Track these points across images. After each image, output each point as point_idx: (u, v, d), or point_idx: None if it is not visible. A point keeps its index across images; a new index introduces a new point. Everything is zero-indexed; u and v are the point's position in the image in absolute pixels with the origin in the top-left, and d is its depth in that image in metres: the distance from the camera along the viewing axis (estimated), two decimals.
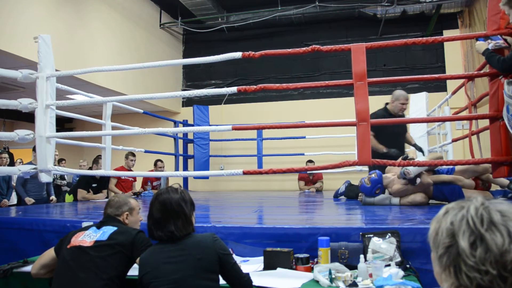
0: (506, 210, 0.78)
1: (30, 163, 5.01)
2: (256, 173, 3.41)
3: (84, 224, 2.28)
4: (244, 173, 3.17)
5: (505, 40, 2.85)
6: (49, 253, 1.99)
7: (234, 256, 2.12)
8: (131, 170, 5.93)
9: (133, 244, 1.86)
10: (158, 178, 6.39)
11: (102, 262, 1.78)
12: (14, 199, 5.86)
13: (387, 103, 4.28)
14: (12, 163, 6.01)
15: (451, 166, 3.70)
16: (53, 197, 5.54)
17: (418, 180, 3.51)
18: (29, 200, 5.04)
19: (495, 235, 0.74)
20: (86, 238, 1.89)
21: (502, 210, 0.78)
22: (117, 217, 2.06)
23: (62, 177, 6.61)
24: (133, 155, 5.96)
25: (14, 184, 5.69)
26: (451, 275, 0.79)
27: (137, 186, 6.37)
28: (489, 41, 2.88)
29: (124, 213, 2.09)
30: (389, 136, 4.04)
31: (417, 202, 3.52)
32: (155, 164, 6.48)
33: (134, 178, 6.17)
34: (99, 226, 1.97)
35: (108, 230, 1.91)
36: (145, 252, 1.74)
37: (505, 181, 3.58)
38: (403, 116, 4.35)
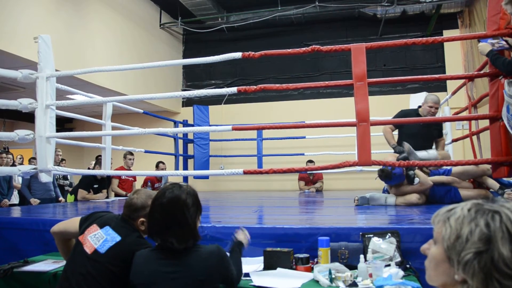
0: None
1: None
2: (256, 173, 3.41)
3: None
4: (245, 172, 3.17)
5: (506, 41, 2.85)
6: (75, 225, 1.94)
7: None
8: (130, 170, 5.94)
9: (128, 268, 1.68)
10: (159, 180, 6.39)
11: (94, 282, 1.69)
12: (14, 199, 5.86)
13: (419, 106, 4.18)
14: (13, 164, 6.01)
15: (449, 167, 3.69)
16: (61, 198, 5.56)
17: (417, 180, 3.51)
18: (34, 201, 5.05)
19: None
20: (92, 240, 1.80)
21: None
22: (131, 220, 1.87)
23: (64, 177, 6.62)
24: (131, 154, 5.95)
25: (15, 184, 5.70)
26: (477, 281, 0.75)
27: (138, 186, 6.37)
28: (491, 40, 2.88)
29: (140, 218, 1.85)
30: (409, 135, 4.00)
31: (412, 203, 3.52)
32: (157, 166, 6.47)
33: (134, 178, 6.17)
34: (111, 224, 1.85)
35: (111, 239, 1.78)
36: (142, 254, 1.63)
37: (496, 184, 3.58)
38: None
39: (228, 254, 1.75)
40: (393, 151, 3.90)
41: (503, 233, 0.75)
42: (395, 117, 4.08)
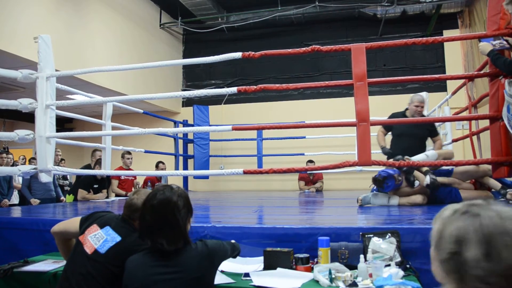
0: None
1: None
2: (256, 173, 3.40)
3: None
4: (245, 172, 3.17)
5: (507, 41, 2.85)
6: (75, 225, 1.94)
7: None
8: (130, 169, 5.94)
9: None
10: (159, 180, 6.38)
11: (93, 282, 1.70)
12: (15, 199, 5.86)
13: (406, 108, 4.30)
14: (13, 164, 6.01)
15: (450, 167, 3.70)
16: (62, 198, 5.55)
17: (417, 183, 3.52)
18: (34, 201, 5.05)
19: (509, 247, 0.72)
20: (93, 240, 1.80)
21: None
22: (131, 221, 1.88)
23: (64, 177, 6.60)
24: (129, 153, 5.90)
25: (16, 184, 5.70)
26: (453, 281, 0.76)
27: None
28: (493, 41, 2.88)
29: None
30: (399, 136, 4.15)
31: (417, 203, 3.53)
32: (157, 166, 6.47)
33: (134, 177, 6.15)
34: (112, 224, 1.85)
35: (112, 239, 1.79)
36: (133, 259, 1.62)
37: (498, 184, 3.57)
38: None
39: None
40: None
41: (475, 235, 0.75)
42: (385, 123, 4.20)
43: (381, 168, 3.78)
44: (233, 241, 1.90)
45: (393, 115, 4.24)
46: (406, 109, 4.24)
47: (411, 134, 4.05)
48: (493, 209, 0.77)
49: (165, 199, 1.60)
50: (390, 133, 4.32)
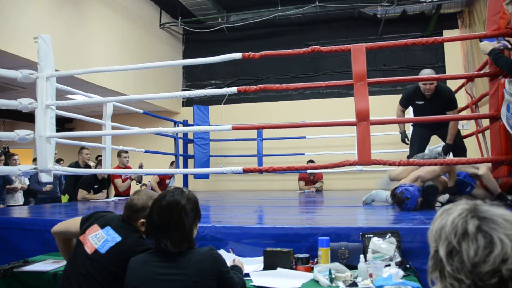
0: (489, 219, 0.76)
1: None
2: (256, 171, 3.40)
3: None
4: (244, 170, 3.18)
5: (508, 41, 2.85)
6: (76, 225, 1.94)
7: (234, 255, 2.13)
8: (128, 167, 5.94)
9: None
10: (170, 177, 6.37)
11: (93, 282, 1.71)
12: (20, 199, 5.87)
13: None
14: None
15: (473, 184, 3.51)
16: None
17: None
18: (46, 188, 5.36)
19: (468, 247, 0.74)
20: (93, 240, 1.80)
21: (486, 218, 0.77)
22: (131, 221, 1.88)
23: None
24: (126, 152, 5.85)
25: (21, 185, 5.74)
26: (438, 278, 0.80)
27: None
28: (495, 42, 2.87)
29: (140, 219, 1.86)
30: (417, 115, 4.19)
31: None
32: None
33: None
34: (112, 225, 1.85)
35: (112, 239, 1.79)
36: (136, 259, 1.64)
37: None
38: (432, 96, 4.01)
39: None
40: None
41: (442, 235, 0.79)
42: (401, 99, 4.28)
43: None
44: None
45: (405, 93, 4.27)
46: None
47: (428, 111, 3.87)
48: (464, 208, 0.80)
49: (173, 201, 1.61)
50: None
